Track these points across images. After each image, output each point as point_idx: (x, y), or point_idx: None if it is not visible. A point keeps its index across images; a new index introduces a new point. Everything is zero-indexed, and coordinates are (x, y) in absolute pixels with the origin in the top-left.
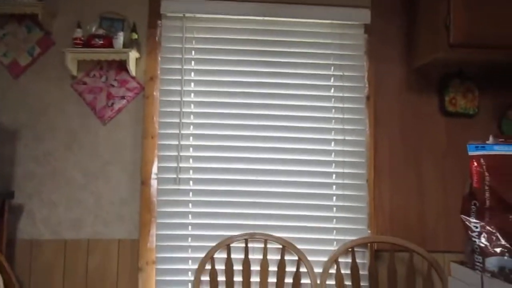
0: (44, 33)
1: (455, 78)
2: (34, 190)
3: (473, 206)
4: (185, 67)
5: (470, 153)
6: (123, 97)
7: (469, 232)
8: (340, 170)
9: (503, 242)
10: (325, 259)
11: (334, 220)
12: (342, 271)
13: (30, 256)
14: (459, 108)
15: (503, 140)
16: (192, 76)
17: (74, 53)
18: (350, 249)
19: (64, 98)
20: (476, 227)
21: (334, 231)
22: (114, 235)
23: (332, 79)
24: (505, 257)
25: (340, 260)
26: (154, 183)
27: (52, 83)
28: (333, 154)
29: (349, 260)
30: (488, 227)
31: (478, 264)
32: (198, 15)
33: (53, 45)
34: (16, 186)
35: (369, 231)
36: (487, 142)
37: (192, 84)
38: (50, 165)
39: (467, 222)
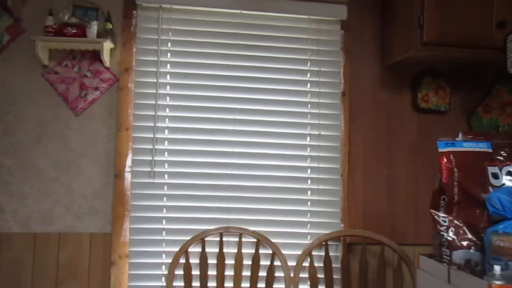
0: (14, 19)
1: (427, 75)
2: (2, 182)
3: (442, 201)
4: (161, 59)
5: (440, 150)
6: (96, 88)
7: (438, 226)
8: (315, 165)
9: (469, 235)
10: (299, 252)
11: (309, 214)
12: (316, 264)
13: None
14: (431, 104)
15: (471, 137)
16: (168, 68)
17: (45, 42)
18: (323, 243)
19: (35, 88)
20: (445, 221)
21: (308, 225)
22: (86, 228)
23: (309, 74)
24: (471, 250)
25: (313, 253)
26: (128, 176)
27: (22, 72)
28: (308, 149)
29: (323, 253)
30: (456, 221)
31: (445, 257)
32: (174, 7)
33: (23, 33)
34: None
35: (342, 225)
36: (457, 139)
37: (168, 76)
38: (20, 156)
39: (436, 217)
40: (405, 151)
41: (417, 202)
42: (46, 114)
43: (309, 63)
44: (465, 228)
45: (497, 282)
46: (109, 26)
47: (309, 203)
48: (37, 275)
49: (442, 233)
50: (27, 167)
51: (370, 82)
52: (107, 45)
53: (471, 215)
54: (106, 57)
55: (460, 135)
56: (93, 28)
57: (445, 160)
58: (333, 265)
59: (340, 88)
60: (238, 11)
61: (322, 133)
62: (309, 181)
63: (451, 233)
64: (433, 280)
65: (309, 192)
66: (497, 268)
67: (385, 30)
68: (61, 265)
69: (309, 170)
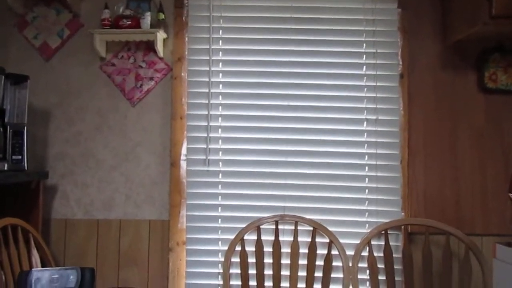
0: (73, 15)
1: (495, 52)
2: (66, 171)
3: None
4: (213, 47)
5: None
6: (151, 78)
7: None
8: (373, 151)
9: None
10: (357, 241)
11: (367, 202)
12: (375, 254)
13: (65, 235)
14: (499, 84)
15: None
16: (220, 56)
17: (102, 34)
18: (383, 232)
19: (94, 80)
20: None
21: (367, 213)
22: (145, 215)
23: (364, 56)
24: None
25: (372, 242)
26: (183, 164)
27: (81, 65)
28: (365, 134)
29: (382, 242)
30: None
31: None
32: None
33: (82, 27)
34: (49, 167)
35: (402, 213)
36: None
37: (220, 64)
38: (81, 146)
39: None
40: (470, 135)
41: (485, 189)
42: (105, 106)
43: (364, 44)
44: None
45: None
46: (162, 16)
47: (367, 190)
48: (100, 259)
49: None
50: (89, 157)
51: (431, 62)
52: (160, 35)
53: None
54: (159, 47)
55: None
56: (147, 19)
57: None
58: (394, 255)
59: (398, 70)
60: None
61: (380, 117)
62: (366, 168)
63: None
64: None
65: (367, 179)
66: None
67: (445, 5)
68: (122, 251)
69: (366, 156)
